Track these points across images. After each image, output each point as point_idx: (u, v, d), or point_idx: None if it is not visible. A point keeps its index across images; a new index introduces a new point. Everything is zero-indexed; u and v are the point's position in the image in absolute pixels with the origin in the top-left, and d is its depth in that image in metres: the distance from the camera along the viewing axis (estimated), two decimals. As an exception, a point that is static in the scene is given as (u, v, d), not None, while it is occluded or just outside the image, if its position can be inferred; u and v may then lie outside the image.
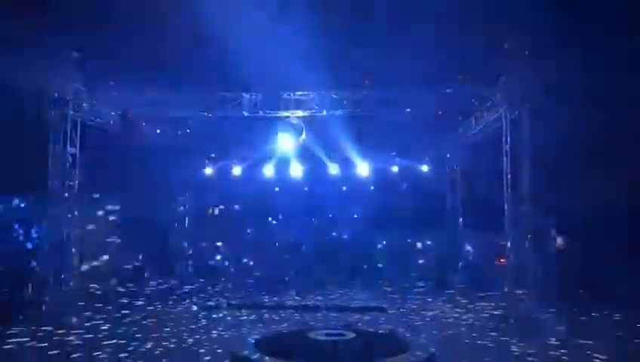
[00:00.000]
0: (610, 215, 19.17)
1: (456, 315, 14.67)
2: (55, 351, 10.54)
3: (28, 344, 11.01)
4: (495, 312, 14.36)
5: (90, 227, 19.67)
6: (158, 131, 18.64)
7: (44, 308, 13.18)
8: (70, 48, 13.92)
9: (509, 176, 13.87)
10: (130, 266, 20.52)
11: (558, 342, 11.23)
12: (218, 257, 23.14)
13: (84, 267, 17.60)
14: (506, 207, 14.01)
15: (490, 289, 17.56)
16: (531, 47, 13.37)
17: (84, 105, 14.52)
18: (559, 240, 20.09)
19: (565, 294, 14.89)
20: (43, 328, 11.96)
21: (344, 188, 22.50)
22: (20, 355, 10.47)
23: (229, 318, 14.38)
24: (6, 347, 10.72)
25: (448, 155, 21.61)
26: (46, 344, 10.98)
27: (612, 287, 14.71)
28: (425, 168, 21.78)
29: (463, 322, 13.84)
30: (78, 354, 10.40)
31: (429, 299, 17.06)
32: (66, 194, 14.12)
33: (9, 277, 15.06)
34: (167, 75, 15.38)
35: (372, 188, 22.52)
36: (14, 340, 11.11)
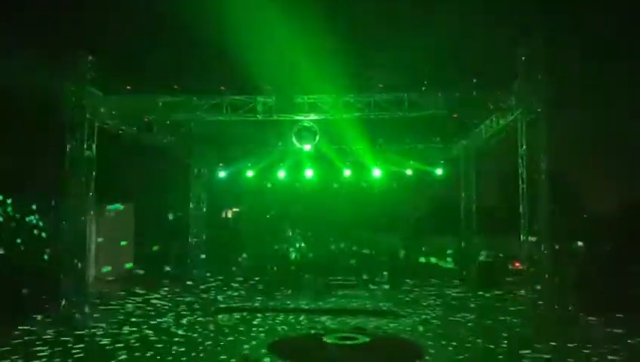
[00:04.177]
0: (628, 218, 18.93)
1: (470, 319, 14.51)
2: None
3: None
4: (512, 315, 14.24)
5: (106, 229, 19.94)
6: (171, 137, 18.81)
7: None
8: (87, 53, 14.07)
9: (525, 179, 13.72)
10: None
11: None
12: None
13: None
14: (521, 210, 13.85)
15: (506, 292, 17.42)
16: (547, 50, 13.25)
17: (101, 109, 14.65)
18: (576, 242, 19.88)
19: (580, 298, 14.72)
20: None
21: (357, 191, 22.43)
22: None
23: (242, 322, 14.37)
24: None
25: (463, 158, 21.41)
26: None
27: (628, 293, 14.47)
28: (439, 171, 21.62)
29: (478, 326, 13.68)
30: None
31: (441, 303, 16.91)
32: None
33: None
34: (182, 79, 15.51)
35: (385, 191, 22.43)
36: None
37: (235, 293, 18.78)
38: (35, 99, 16.49)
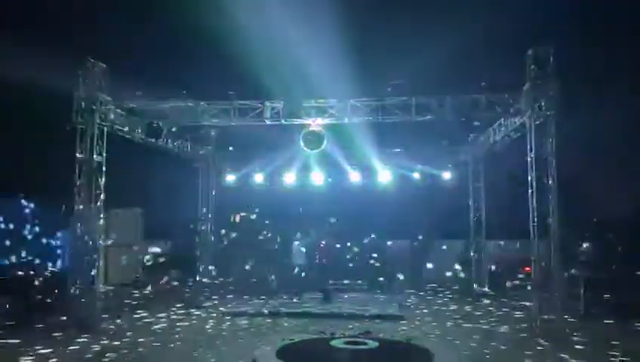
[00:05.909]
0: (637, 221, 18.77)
1: (479, 323, 14.44)
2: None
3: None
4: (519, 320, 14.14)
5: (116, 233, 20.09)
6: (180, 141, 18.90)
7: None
8: (97, 58, 14.19)
9: (534, 183, 13.65)
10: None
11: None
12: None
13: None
14: (531, 214, 13.77)
15: (515, 296, 17.33)
16: (556, 52, 13.20)
17: (111, 115, 14.77)
18: (585, 246, 19.72)
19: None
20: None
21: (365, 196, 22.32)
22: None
23: (250, 325, 14.39)
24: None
25: (471, 162, 21.31)
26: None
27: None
28: (447, 175, 21.53)
29: (485, 330, 13.60)
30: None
31: (452, 307, 16.85)
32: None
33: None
34: (190, 84, 15.62)
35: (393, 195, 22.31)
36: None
37: (238, 296, 18.84)
38: (46, 104, 16.66)
